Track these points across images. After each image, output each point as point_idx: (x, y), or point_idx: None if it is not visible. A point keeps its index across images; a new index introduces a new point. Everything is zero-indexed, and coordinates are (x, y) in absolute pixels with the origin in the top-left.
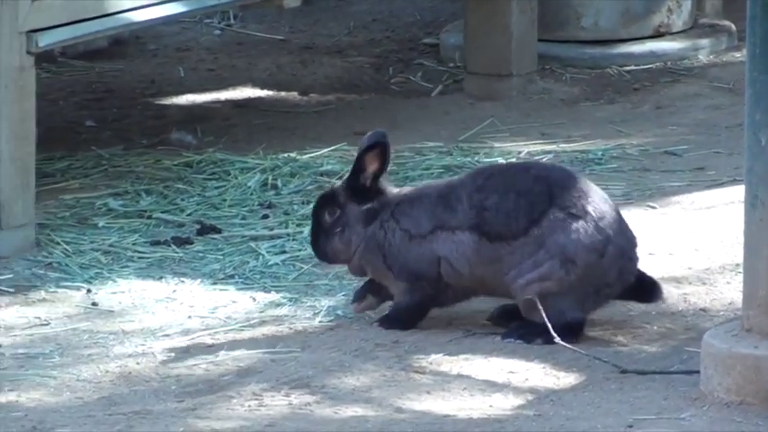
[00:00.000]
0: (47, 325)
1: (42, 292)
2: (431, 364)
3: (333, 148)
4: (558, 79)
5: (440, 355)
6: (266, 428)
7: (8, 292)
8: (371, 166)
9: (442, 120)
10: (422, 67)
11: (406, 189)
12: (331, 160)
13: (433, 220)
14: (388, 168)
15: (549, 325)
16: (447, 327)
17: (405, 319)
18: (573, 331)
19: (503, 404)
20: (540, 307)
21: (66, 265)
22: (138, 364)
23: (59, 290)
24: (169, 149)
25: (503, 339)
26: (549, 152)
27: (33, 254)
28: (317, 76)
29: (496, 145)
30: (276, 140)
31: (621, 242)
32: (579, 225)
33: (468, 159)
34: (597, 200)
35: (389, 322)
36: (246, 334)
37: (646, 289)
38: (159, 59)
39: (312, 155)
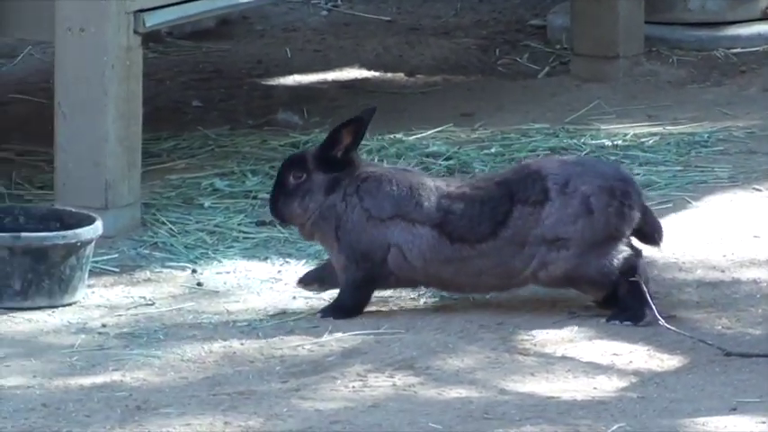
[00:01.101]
0: (152, 305)
1: (147, 272)
2: (535, 345)
3: (439, 129)
4: (665, 61)
5: (544, 336)
6: (370, 409)
7: (113, 271)
8: (345, 140)
9: (549, 101)
10: (528, 49)
11: (378, 166)
12: (437, 141)
13: (395, 207)
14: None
15: (655, 309)
16: (552, 309)
17: (350, 302)
18: (633, 272)
19: (607, 386)
20: (645, 289)
21: (172, 245)
22: (242, 344)
23: (164, 270)
24: (275, 130)
25: (608, 321)
26: (655, 134)
27: (139, 234)
28: (423, 58)
29: (603, 127)
30: (382, 121)
31: (601, 183)
32: (546, 209)
33: (575, 141)
34: (556, 171)
35: (334, 311)
36: None
37: (649, 231)
38: (266, 40)
39: (418, 136)
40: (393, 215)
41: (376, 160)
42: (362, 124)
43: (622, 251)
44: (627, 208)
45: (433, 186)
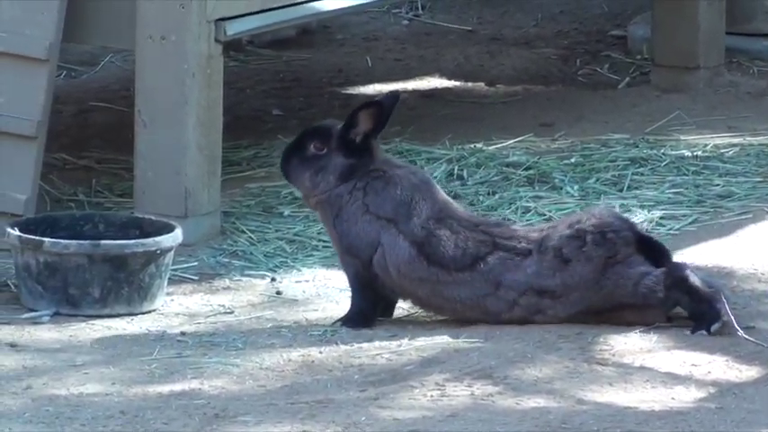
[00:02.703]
0: (231, 313)
1: (227, 281)
2: (613, 355)
3: (519, 139)
4: (745, 72)
5: (622, 346)
6: (448, 419)
7: (193, 279)
8: (364, 125)
9: (629, 112)
10: (609, 59)
11: (393, 165)
12: (517, 151)
13: (393, 210)
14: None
15: (734, 321)
16: None
17: (357, 308)
18: (683, 283)
19: (685, 397)
20: (724, 300)
21: (251, 253)
22: (320, 353)
23: (244, 278)
24: None
25: (693, 333)
26: (735, 145)
27: (218, 242)
28: (504, 67)
29: (683, 138)
30: (462, 131)
31: (570, 233)
32: (528, 260)
33: (654, 152)
34: (533, 233)
35: (347, 321)
36: (429, 323)
37: (653, 256)
38: (347, 49)
39: (498, 146)
40: (389, 217)
41: (456, 170)
42: (382, 109)
43: (647, 271)
44: (610, 233)
45: (430, 204)
